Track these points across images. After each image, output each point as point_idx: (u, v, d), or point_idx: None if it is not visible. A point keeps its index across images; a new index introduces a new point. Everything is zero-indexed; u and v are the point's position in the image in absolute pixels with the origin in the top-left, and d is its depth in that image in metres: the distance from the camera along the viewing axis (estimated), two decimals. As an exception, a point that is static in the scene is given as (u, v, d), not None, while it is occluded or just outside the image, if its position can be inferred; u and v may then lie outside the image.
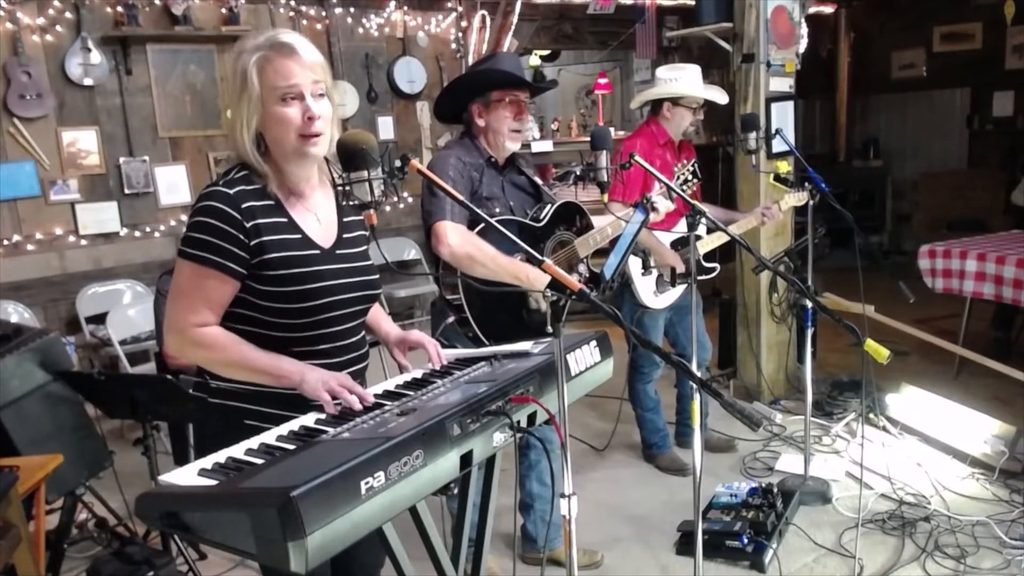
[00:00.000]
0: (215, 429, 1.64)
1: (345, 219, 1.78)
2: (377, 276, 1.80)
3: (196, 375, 1.72)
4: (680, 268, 3.32)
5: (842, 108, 8.68)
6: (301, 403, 1.61)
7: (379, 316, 1.96)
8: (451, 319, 2.48)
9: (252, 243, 1.58)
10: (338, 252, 1.71)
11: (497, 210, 2.52)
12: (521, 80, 2.55)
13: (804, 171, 3.38)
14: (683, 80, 3.44)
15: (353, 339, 1.76)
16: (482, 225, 2.39)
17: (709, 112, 3.61)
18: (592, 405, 4.37)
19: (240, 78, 1.56)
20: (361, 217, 1.82)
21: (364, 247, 1.80)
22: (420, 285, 5.88)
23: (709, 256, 3.50)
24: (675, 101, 3.45)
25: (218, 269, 1.57)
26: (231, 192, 1.58)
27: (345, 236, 1.75)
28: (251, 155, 1.60)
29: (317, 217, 1.71)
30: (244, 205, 1.58)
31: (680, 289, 3.50)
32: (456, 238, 2.34)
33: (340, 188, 1.89)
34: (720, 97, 3.54)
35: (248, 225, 1.57)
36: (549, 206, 2.60)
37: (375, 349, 3.13)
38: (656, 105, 3.52)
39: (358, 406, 1.54)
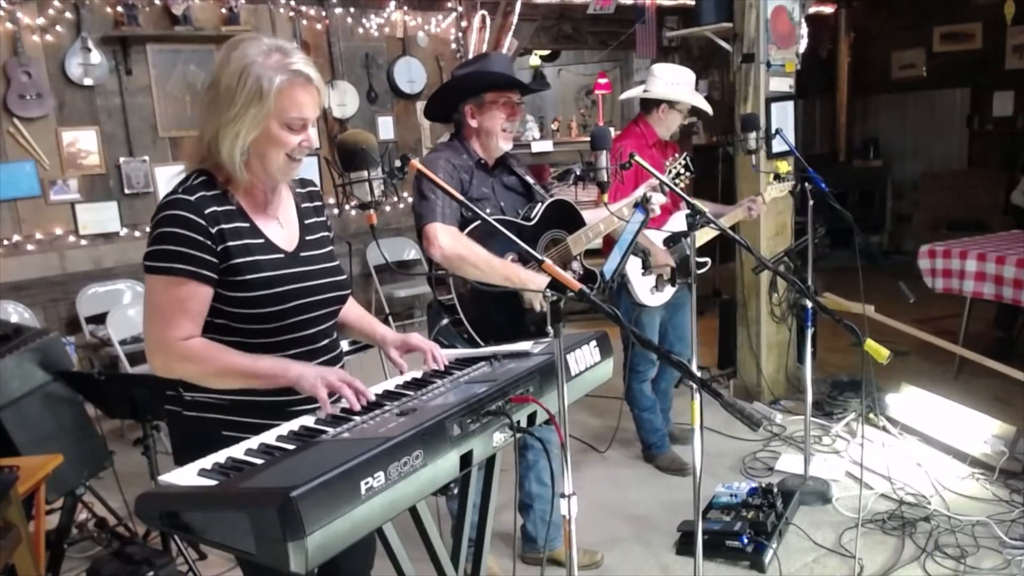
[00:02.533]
0: (192, 442, 1.59)
1: (307, 221, 1.76)
2: (345, 275, 1.79)
3: (170, 387, 1.68)
4: (669, 262, 3.31)
5: (842, 108, 8.69)
6: (281, 411, 1.60)
7: (372, 322, 1.93)
8: (445, 320, 2.48)
9: (219, 248, 1.56)
10: (302, 255, 1.70)
11: (488, 211, 2.52)
12: (515, 81, 2.55)
13: (804, 171, 3.38)
14: (683, 87, 3.50)
15: (326, 341, 1.75)
16: (472, 226, 2.40)
17: (687, 120, 3.64)
18: (592, 405, 4.37)
19: (253, 92, 1.52)
20: (324, 218, 1.82)
21: (329, 247, 1.79)
22: (420, 285, 5.88)
23: (700, 251, 3.50)
24: (671, 104, 3.48)
25: (192, 278, 1.53)
26: (192, 199, 1.55)
27: (308, 238, 1.74)
28: (236, 163, 1.57)
29: (279, 221, 1.70)
30: (207, 211, 1.55)
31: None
32: (447, 240, 2.34)
33: (340, 188, 1.89)
34: (707, 106, 3.61)
35: (213, 231, 1.55)
36: (540, 205, 2.60)
37: (375, 349, 3.12)
38: (649, 105, 3.54)
39: (357, 405, 1.53)
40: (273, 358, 1.59)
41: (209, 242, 1.55)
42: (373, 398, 1.56)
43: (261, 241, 1.63)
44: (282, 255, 1.65)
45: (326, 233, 1.81)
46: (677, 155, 2.94)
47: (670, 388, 3.93)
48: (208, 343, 1.58)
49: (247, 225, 1.62)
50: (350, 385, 1.55)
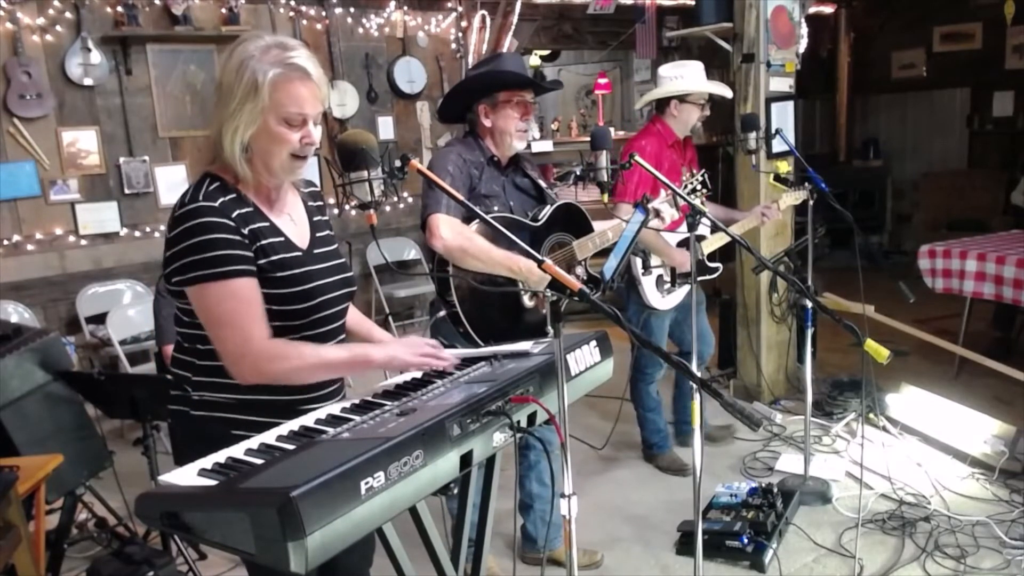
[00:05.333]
0: (199, 442, 1.54)
1: (314, 218, 1.76)
2: (352, 273, 1.80)
3: (176, 387, 1.66)
4: (686, 268, 3.31)
5: (842, 108, 8.68)
6: (290, 410, 1.60)
7: (370, 326, 1.93)
8: (442, 312, 2.49)
9: (253, 247, 1.56)
10: (315, 252, 1.70)
11: (496, 208, 2.52)
12: (528, 80, 2.55)
13: (804, 171, 3.38)
14: (688, 76, 3.44)
15: (340, 339, 1.76)
16: (477, 220, 2.39)
17: (709, 112, 3.60)
18: (592, 405, 4.37)
19: (249, 86, 1.52)
20: (327, 217, 1.82)
21: (335, 245, 1.79)
22: (420, 285, 5.89)
23: (712, 256, 3.49)
24: (682, 98, 3.43)
25: (246, 275, 1.53)
26: (216, 204, 1.54)
27: (318, 235, 1.74)
28: (236, 159, 1.56)
29: (292, 218, 1.70)
30: (233, 215, 1.55)
31: (687, 289, 3.50)
32: (448, 231, 2.34)
33: (340, 188, 1.89)
34: (725, 91, 3.53)
35: (245, 231, 1.55)
36: (548, 207, 2.60)
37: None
38: (662, 104, 3.49)
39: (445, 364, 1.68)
40: (357, 345, 1.69)
41: (246, 240, 1.55)
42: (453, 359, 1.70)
43: (282, 239, 1.63)
44: (300, 252, 1.66)
45: (330, 232, 1.81)
46: (696, 171, 2.92)
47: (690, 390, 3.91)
48: (284, 340, 1.58)
49: (267, 224, 1.62)
50: (435, 355, 1.67)
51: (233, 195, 1.59)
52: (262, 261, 1.57)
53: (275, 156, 1.58)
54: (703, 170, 2.98)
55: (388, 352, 1.64)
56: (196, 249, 1.51)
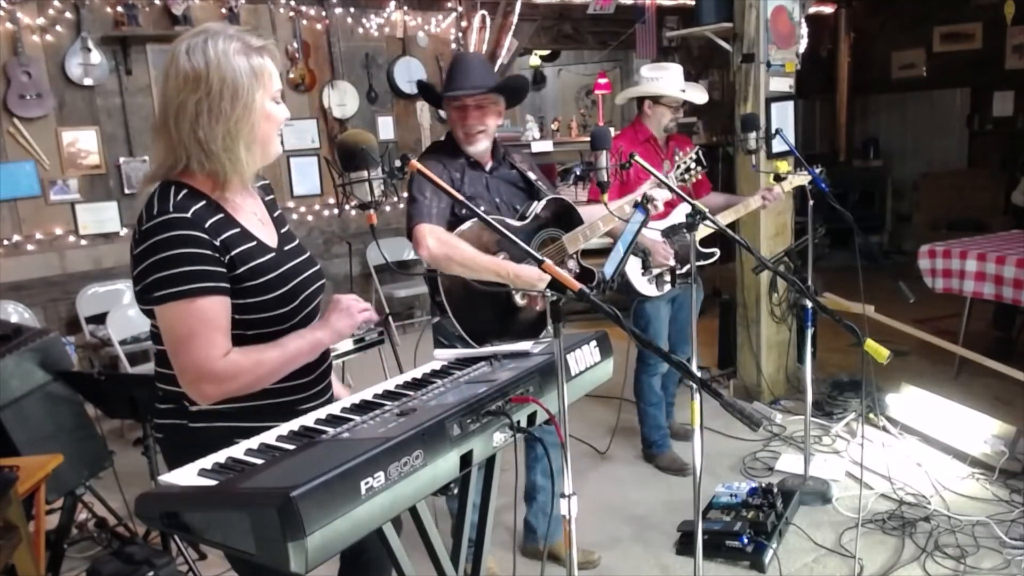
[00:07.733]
0: (200, 453, 1.41)
1: (274, 215, 1.74)
2: (320, 265, 1.78)
3: (167, 401, 1.60)
4: (669, 255, 3.31)
5: (842, 108, 8.69)
6: (291, 411, 1.59)
7: None
8: (437, 319, 2.50)
9: (226, 259, 1.51)
10: (285, 249, 1.68)
11: (482, 208, 2.52)
12: (430, 90, 2.64)
13: (804, 171, 3.38)
14: (664, 80, 3.49)
15: None
16: (462, 228, 2.42)
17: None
18: (592, 405, 4.37)
19: (250, 76, 1.50)
20: (280, 211, 1.80)
21: (297, 239, 1.77)
22: (420, 285, 5.88)
23: (707, 241, 3.49)
24: (655, 99, 3.49)
25: (214, 293, 1.48)
26: (188, 215, 1.47)
27: (282, 231, 1.72)
28: (255, 156, 1.56)
29: (258, 218, 1.67)
30: (207, 224, 1.49)
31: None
32: (433, 241, 2.36)
33: (340, 188, 1.89)
34: (699, 97, 3.58)
35: (217, 243, 1.50)
36: (534, 203, 2.61)
37: (375, 349, 3.13)
38: (638, 103, 3.58)
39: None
40: (301, 334, 1.61)
41: (217, 255, 1.50)
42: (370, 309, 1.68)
43: (254, 244, 1.59)
44: (273, 253, 1.63)
45: (289, 225, 1.80)
46: (689, 149, 2.91)
47: (672, 384, 3.92)
48: (242, 350, 1.52)
49: (239, 231, 1.57)
50: (361, 311, 1.67)
51: (203, 202, 1.53)
52: (239, 270, 1.53)
53: (272, 139, 1.59)
54: (695, 147, 2.96)
55: (331, 329, 1.63)
56: (162, 264, 1.46)
